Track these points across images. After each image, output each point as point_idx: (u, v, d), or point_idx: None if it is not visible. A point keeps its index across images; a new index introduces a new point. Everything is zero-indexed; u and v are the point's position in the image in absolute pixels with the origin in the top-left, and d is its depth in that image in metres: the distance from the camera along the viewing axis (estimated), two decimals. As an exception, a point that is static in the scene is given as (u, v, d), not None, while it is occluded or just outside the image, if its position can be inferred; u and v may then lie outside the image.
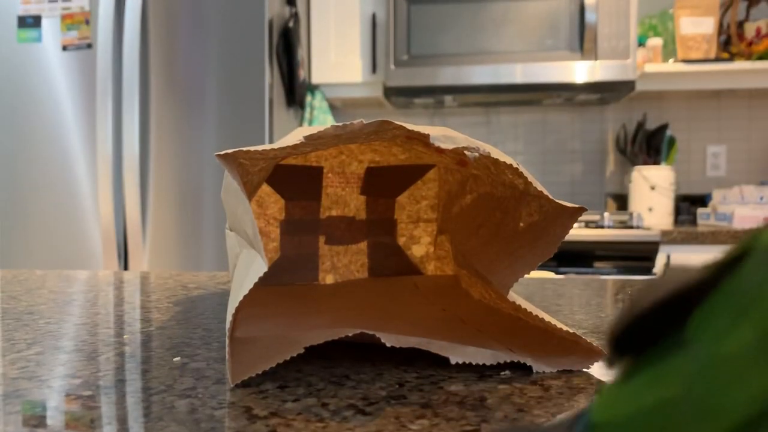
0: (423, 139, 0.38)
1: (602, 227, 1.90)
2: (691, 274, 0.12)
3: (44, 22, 1.77)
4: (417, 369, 0.32)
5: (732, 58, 2.10)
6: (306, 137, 0.33)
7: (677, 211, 2.30)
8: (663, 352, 0.12)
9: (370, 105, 2.48)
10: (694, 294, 0.12)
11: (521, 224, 0.40)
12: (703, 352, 0.12)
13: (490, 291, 0.43)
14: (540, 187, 0.36)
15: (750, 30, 2.11)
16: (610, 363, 0.14)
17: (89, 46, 1.75)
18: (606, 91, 2.11)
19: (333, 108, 2.47)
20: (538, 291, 0.60)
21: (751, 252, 0.12)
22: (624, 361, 0.14)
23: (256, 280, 0.28)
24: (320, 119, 2.10)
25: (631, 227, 1.89)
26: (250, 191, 0.42)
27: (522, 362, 0.33)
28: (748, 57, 2.07)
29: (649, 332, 0.13)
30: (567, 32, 1.99)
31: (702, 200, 2.32)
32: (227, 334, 0.28)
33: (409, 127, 0.34)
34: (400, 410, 0.26)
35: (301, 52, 1.96)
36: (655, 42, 2.11)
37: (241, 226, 0.36)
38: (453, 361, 0.30)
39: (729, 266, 0.12)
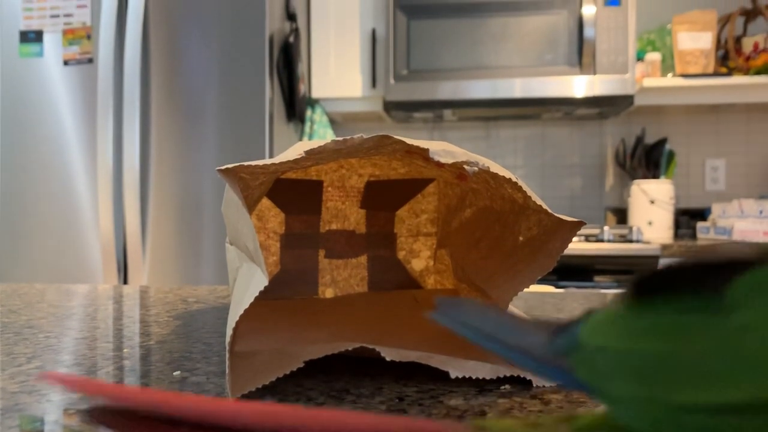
0: (422, 154, 0.39)
1: (602, 241, 1.90)
2: (741, 248, 0.12)
3: (46, 36, 1.78)
4: (417, 383, 0.32)
5: (730, 72, 2.11)
6: (306, 151, 0.33)
7: (677, 225, 2.30)
8: (686, 307, 0.12)
9: (370, 119, 2.48)
10: (739, 265, 0.12)
11: (521, 238, 0.40)
12: (744, 320, 0.11)
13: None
14: (539, 201, 0.36)
15: (748, 45, 2.13)
16: (623, 296, 0.13)
17: (90, 60, 1.76)
18: (605, 106, 2.12)
19: (333, 122, 2.48)
20: (538, 305, 0.60)
21: None
22: (635, 298, 0.13)
23: (256, 294, 0.28)
24: (320, 133, 2.11)
25: (631, 241, 1.89)
26: (251, 205, 0.42)
27: (522, 376, 0.33)
28: (746, 72, 2.08)
29: (674, 285, 0.13)
30: (566, 47, 2.00)
31: (701, 214, 2.32)
32: (227, 348, 0.28)
33: (409, 141, 0.34)
34: (399, 424, 0.26)
35: (302, 67, 1.97)
36: (654, 57, 2.12)
37: (242, 240, 0.36)
38: (453, 375, 0.30)
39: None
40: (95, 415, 0.16)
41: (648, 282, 0.13)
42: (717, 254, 0.12)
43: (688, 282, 0.12)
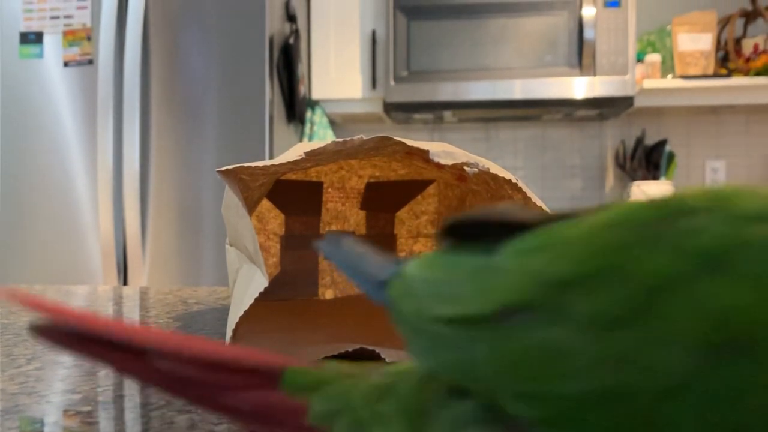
0: (422, 155, 0.39)
1: (602, 242, 1.90)
2: (529, 214, 0.16)
3: (46, 38, 1.78)
4: (417, 384, 0.32)
5: (730, 74, 2.11)
6: (307, 153, 0.33)
7: (677, 226, 2.30)
8: (474, 249, 0.16)
9: (370, 120, 2.49)
10: (522, 224, 0.16)
11: (521, 239, 0.40)
12: (491, 261, 0.15)
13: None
14: (539, 203, 0.36)
15: (747, 46, 2.13)
16: (439, 240, 0.17)
17: (90, 62, 1.76)
18: (605, 107, 2.12)
19: (333, 123, 2.48)
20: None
21: (591, 213, 0.15)
22: (448, 242, 0.17)
23: (256, 295, 0.28)
24: (320, 135, 2.11)
25: (631, 242, 1.89)
26: (251, 206, 0.42)
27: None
28: (746, 73, 2.08)
29: (478, 233, 0.16)
30: (566, 48, 2.00)
31: (701, 215, 2.32)
32: (227, 349, 0.28)
33: (409, 142, 0.34)
34: (399, 426, 0.26)
35: (302, 68, 1.97)
36: (654, 58, 2.12)
37: (242, 241, 0.36)
38: (453, 377, 0.30)
39: (561, 218, 0.16)
40: (43, 332, 0.17)
41: (455, 229, 0.17)
42: (510, 214, 0.16)
43: (484, 233, 0.16)
